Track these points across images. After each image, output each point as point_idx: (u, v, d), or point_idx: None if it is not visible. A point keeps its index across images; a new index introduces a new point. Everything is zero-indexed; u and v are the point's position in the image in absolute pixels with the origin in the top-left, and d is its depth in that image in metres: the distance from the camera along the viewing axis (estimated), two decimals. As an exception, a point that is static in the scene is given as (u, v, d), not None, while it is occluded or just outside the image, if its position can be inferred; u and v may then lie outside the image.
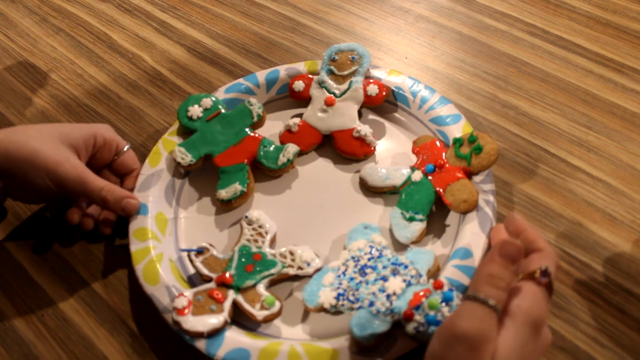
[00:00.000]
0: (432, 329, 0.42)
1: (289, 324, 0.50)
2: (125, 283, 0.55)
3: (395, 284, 0.45)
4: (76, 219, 0.57)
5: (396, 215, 0.54)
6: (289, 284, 0.52)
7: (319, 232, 0.56)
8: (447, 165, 0.54)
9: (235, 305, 0.49)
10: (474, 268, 0.48)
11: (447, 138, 0.58)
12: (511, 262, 0.38)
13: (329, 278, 0.48)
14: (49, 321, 0.53)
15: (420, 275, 0.46)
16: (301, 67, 0.66)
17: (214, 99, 0.62)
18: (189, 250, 0.52)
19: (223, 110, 0.61)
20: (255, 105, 0.60)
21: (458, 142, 0.54)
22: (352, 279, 0.47)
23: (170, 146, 0.61)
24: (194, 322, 0.47)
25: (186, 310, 0.48)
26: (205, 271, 0.51)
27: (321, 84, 0.63)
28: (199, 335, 0.47)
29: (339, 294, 0.46)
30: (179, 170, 0.60)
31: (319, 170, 0.61)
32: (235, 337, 0.47)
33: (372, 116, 0.65)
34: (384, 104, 0.63)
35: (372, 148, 0.60)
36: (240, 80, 0.66)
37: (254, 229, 0.54)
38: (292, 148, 0.58)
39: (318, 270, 0.50)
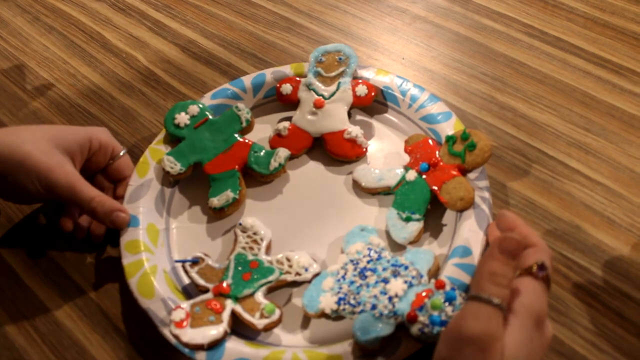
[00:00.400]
0: (437, 330, 0.41)
1: (289, 331, 0.49)
2: (118, 288, 0.54)
3: (396, 285, 0.45)
4: (69, 226, 0.57)
5: (392, 216, 0.53)
6: (286, 290, 0.51)
7: (315, 236, 0.55)
8: (441, 163, 0.54)
9: (234, 315, 0.48)
10: (474, 266, 0.48)
11: (438, 136, 0.58)
12: (511, 258, 0.38)
13: (328, 283, 0.47)
14: (40, 326, 0.53)
15: (421, 276, 0.46)
16: (287, 70, 0.65)
17: (200, 105, 0.61)
18: (183, 261, 0.51)
19: (210, 117, 0.60)
20: (244, 111, 0.59)
21: (451, 139, 0.54)
22: (352, 282, 0.47)
23: (157, 155, 0.59)
24: (193, 335, 0.46)
25: (184, 323, 0.47)
26: (201, 282, 0.50)
27: (309, 86, 0.62)
28: (199, 347, 0.46)
29: (340, 299, 0.46)
30: (168, 180, 0.59)
31: (310, 173, 0.60)
32: (236, 348, 0.46)
33: (360, 117, 0.64)
34: (374, 104, 0.62)
35: (364, 149, 0.60)
36: (227, 85, 0.65)
37: (248, 237, 0.53)
38: (283, 152, 0.58)
39: (316, 275, 0.50)
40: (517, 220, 0.45)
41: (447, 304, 0.42)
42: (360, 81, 0.62)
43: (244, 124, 0.59)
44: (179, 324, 0.47)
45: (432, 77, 0.69)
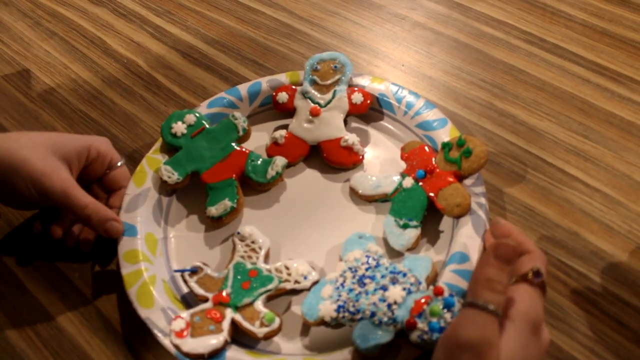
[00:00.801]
0: (436, 336, 0.41)
1: (289, 339, 0.49)
2: (119, 293, 0.54)
3: (395, 292, 0.45)
4: (59, 234, 0.57)
5: (390, 223, 0.53)
6: (285, 298, 0.51)
7: (313, 244, 0.55)
8: (438, 170, 0.54)
9: (234, 323, 0.48)
10: (471, 272, 0.48)
11: (434, 143, 0.58)
12: (506, 264, 0.38)
13: (327, 290, 0.48)
14: (41, 331, 0.53)
15: (420, 283, 0.46)
16: (283, 78, 0.66)
17: (197, 114, 0.61)
18: (182, 271, 0.52)
19: (207, 126, 0.60)
20: (240, 119, 0.60)
21: (447, 146, 0.54)
22: (351, 290, 0.47)
23: (154, 164, 0.60)
24: (193, 344, 0.46)
25: (185, 333, 0.47)
26: (200, 291, 0.50)
27: (305, 95, 0.63)
28: (200, 357, 0.46)
29: (339, 306, 0.46)
30: (165, 189, 0.59)
31: (308, 181, 0.60)
32: (236, 357, 0.47)
33: (356, 124, 0.64)
34: (369, 111, 0.63)
35: (361, 157, 0.60)
36: (223, 94, 0.65)
37: (247, 245, 0.53)
38: (280, 161, 0.58)
39: (315, 283, 0.50)
40: (511, 227, 0.45)
41: (445, 310, 0.42)
42: (355, 89, 0.63)
43: (241, 133, 0.59)
44: (179, 334, 0.47)
45: (431, 83, 0.69)
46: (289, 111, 0.63)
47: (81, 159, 0.56)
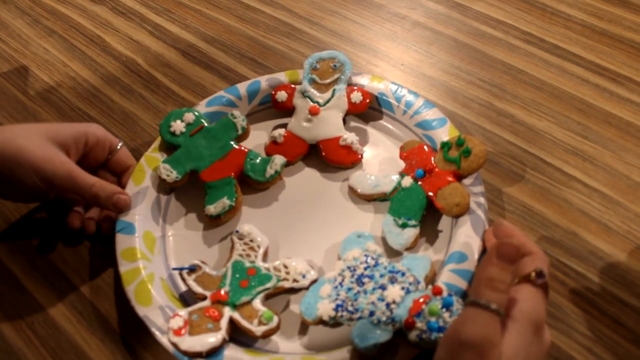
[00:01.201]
0: (435, 336, 0.42)
1: (287, 338, 0.49)
2: (117, 291, 0.54)
3: (394, 292, 0.45)
4: (77, 223, 0.57)
5: (389, 222, 0.53)
6: (283, 297, 0.52)
7: (311, 243, 0.55)
8: (437, 169, 0.54)
9: (232, 322, 0.48)
10: (470, 271, 0.48)
11: (433, 142, 0.58)
12: (509, 263, 0.38)
13: (326, 289, 0.48)
14: (39, 329, 0.53)
15: (418, 282, 0.46)
16: (282, 77, 0.66)
17: (196, 113, 0.61)
18: (180, 269, 0.52)
19: (206, 124, 0.60)
20: (239, 118, 0.60)
21: (446, 145, 0.54)
22: (349, 289, 0.47)
23: (153, 163, 0.60)
24: (191, 342, 0.46)
25: (183, 331, 0.47)
26: (199, 289, 0.50)
27: (304, 94, 0.63)
28: (198, 355, 0.46)
29: (338, 305, 0.46)
30: (164, 187, 0.59)
31: (306, 180, 0.60)
32: (234, 356, 0.47)
33: (355, 123, 0.64)
34: (368, 110, 0.63)
35: (360, 156, 0.60)
36: (222, 92, 0.65)
37: (245, 244, 0.53)
38: (279, 159, 0.58)
39: (314, 282, 0.50)
40: (514, 229, 0.45)
41: (444, 310, 0.42)
42: (355, 88, 0.62)
43: (240, 132, 0.59)
44: (177, 332, 0.47)
45: (431, 83, 0.69)
46: (288, 110, 0.63)
47: (79, 145, 0.56)
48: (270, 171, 0.57)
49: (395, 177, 0.56)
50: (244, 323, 0.47)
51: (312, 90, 0.62)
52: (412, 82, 0.70)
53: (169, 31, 0.81)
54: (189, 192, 0.60)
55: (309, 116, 0.61)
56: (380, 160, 0.61)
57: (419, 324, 0.42)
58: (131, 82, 0.74)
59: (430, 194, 0.53)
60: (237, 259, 0.52)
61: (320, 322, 0.46)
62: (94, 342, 0.52)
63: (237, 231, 0.54)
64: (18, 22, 0.85)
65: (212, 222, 0.57)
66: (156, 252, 0.55)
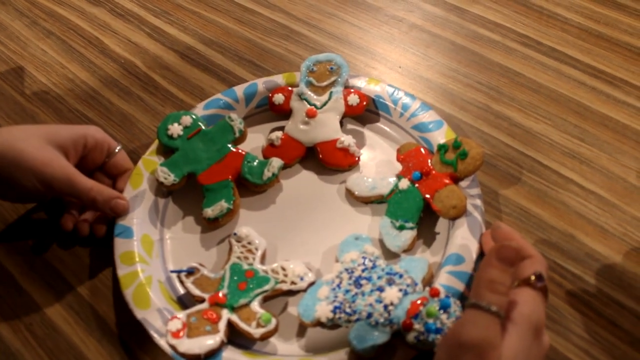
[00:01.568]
0: (433, 337, 0.42)
1: (286, 340, 0.50)
2: (115, 292, 0.54)
3: (391, 294, 0.45)
4: (70, 225, 0.57)
5: (386, 225, 0.54)
6: (281, 299, 0.52)
7: (309, 245, 0.55)
8: (434, 171, 0.54)
9: (231, 324, 0.48)
10: (467, 273, 0.48)
11: (430, 144, 0.58)
12: (509, 265, 0.38)
13: (323, 291, 0.48)
14: (37, 330, 0.53)
15: (416, 284, 0.46)
16: (279, 79, 0.66)
17: (193, 116, 0.61)
18: (179, 272, 0.52)
19: (203, 127, 0.60)
20: (236, 121, 0.60)
21: (443, 148, 0.55)
22: (347, 291, 0.47)
23: (151, 166, 0.60)
24: (189, 345, 0.46)
25: (181, 333, 0.47)
26: (197, 292, 0.50)
27: (301, 96, 0.63)
28: (196, 357, 0.46)
29: (336, 307, 0.46)
30: (161, 190, 0.59)
31: (304, 182, 0.61)
32: (233, 358, 0.47)
33: (352, 126, 0.65)
34: (365, 113, 0.63)
35: (357, 158, 0.60)
36: (219, 95, 0.65)
37: (243, 246, 0.53)
38: (276, 162, 0.58)
39: (311, 284, 0.50)
40: (512, 232, 0.45)
41: (442, 311, 0.43)
42: (352, 90, 0.63)
43: (237, 134, 0.59)
44: (175, 334, 0.47)
45: (428, 85, 0.70)
46: (285, 113, 0.63)
47: (77, 147, 0.56)
48: (267, 174, 0.57)
49: (392, 180, 0.56)
50: (242, 325, 0.47)
51: (309, 92, 0.63)
52: (410, 84, 0.70)
53: (168, 33, 0.81)
54: (186, 195, 0.60)
55: (306, 119, 0.61)
56: (377, 163, 0.61)
57: (417, 326, 0.43)
58: (129, 84, 0.74)
59: (427, 196, 0.53)
60: (235, 262, 0.52)
61: (318, 324, 0.46)
62: (91, 343, 0.52)
63: (235, 234, 0.54)
64: (16, 24, 0.86)
65: (210, 225, 0.57)
66: (154, 255, 0.55)
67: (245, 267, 0.51)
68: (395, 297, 0.45)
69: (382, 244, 0.54)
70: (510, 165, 0.61)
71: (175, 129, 0.60)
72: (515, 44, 0.74)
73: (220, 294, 0.49)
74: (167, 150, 0.61)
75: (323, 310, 0.46)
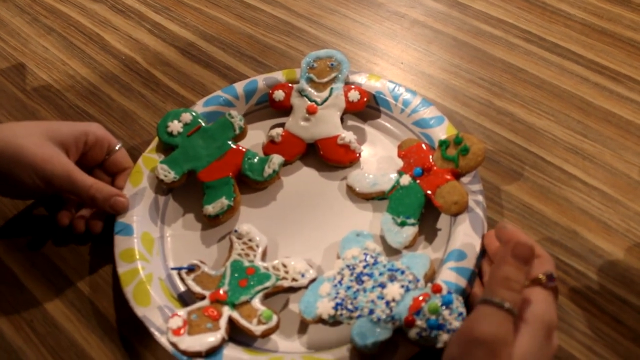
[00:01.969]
0: (435, 333, 0.42)
1: (287, 337, 0.49)
2: (117, 289, 0.54)
3: (393, 290, 0.45)
4: (66, 221, 0.57)
5: (387, 221, 0.53)
6: (282, 296, 0.51)
7: (310, 242, 0.55)
8: (435, 167, 0.54)
9: (232, 321, 0.48)
10: (469, 269, 0.48)
11: (431, 140, 0.58)
12: (524, 264, 0.39)
13: (325, 288, 0.47)
14: (38, 327, 0.53)
15: (418, 280, 0.46)
16: (279, 76, 0.66)
17: (193, 113, 0.61)
18: (179, 269, 0.51)
19: (203, 124, 0.60)
20: (236, 118, 0.59)
21: (444, 144, 0.54)
22: (349, 287, 0.47)
23: (151, 164, 0.59)
24: (190, 342, 0.46)
25: (182, 331, 0.47)
26: (197, 289, 0.50)
27: (301, 93, 0.62)
28: (197, 355, 0.46)
29: (337, 304, 0.46)
30: (161, 188, 0.59)
31: (304, 179, 0.60)
32: (234, 355, 0.46)
33: (353, 122, 0.64)
34: (366, 109, 0.63)
35: (358, 154, 0.60)
36: (219, 92, 0.65)
37: (244, 243, 0.53)
38: (277, 159, 0.58)
39: (313, 280, 0.50)
40: (518, 232, 0.45)
41: (444, 307, 0.42)
42: (352, 87, 0.62)
43: (237, 131, 0.59)
44: (176, 332, 0.47)
45: (430, 81, 0.69)
46: (285, 109, 0.63)
47: (79, 144, 0.56)
48: (268, 171, 0.57)
49: (394, 176, 0.56)
50: (243, 322, 0.47)
51: (310, 89, 0.62)
52: (412, 80, 0.70)
53: (168, 29, 0.81)
54: (187, 192, 0.60)
55: (307, 115, 0.61)
56: (378, 159, 0.61)
57: (419, 322, 0.42)
58: (130, 81, 0.74)
59: (429, 192, 0.53)
60: (236, 259, 0.52)
61: (320, 320, 0.46)
62: (93, 340, 0.51)
63: (235, 230, 0.54)
64: (17, 20, 0.85)
65: (210, 222, 0.56)
66: (154, 253, 0.55)
67: (246, 264, 0.51)
68: (397, 293, 0.45)
69: (383, 240, 0.53)
70: (513, 161, 0.60)
71: (175, 126, 0.60)
72: (518, 39, 0.73)
73: (221, 291, 0.49)
74: (167, 148, 0.60)
75: (324, 307, 0.46)
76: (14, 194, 0.58)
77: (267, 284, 0.50)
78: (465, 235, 0.51)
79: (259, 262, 0.51)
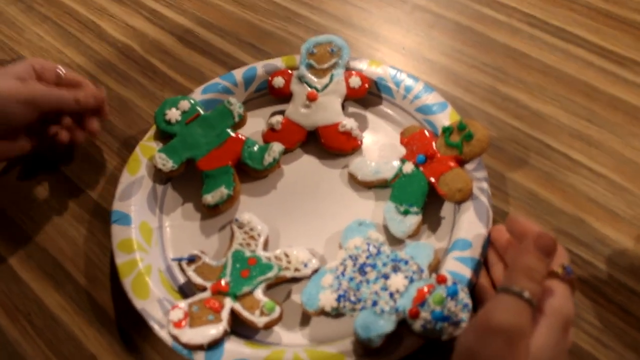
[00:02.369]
0: (440, 325, 0.41)
1: (289, 330, 0.48)
2: (115, 281, 0.53)
3: (397, 281, 0.44)
4: (53, 130, 0.58)
5: (390, 210, 0.52)
6: (285, 287, 0.51)
7: (312, 231, 0.54)
8: (438, 154, 0.53)
9: (234, 313, 0.47)
10: (475, 259, 0.47)
11: (434, 127, 0.57)
12: (546, 255, 0.38)
13: (327, 280, 0.47)
14: (35, 320, 0.52)
15: (422, 271, 0.45)
16: (279, 62, 0.64)
17: (191, 101, 0.60)
18: (180, 259, 0.50)
19: (202, 112, 0.59)
20: (236, 105, 0.58)
21: (448, 130, 0.53)
22: (352, 279, 0.46)
23: (148, 152, 0.58)
24: (192, 335, 0.45)
25: (183, 323, 0.46)
26: (199, 280, 0.49)
27: (301, 79, 0.61)
28: (199, 347, 0.45)
29: (340, 296, 0.45)
30: (160, 177, 0.58)
31: (305, 167, 0.59)
32: (235, 349, 0.46)
33: (354, 109, 0.63)
34: (367, 95, 0.61)
35: (359, 142, 0.59)
36: (217, 79, 0.64)
37: (245, 232, 0.52)
38: (277, 147, 0.57)
39: (315, 271, 0.49)
40: (530, 224, 0.43)
41: (449, 298, 0.42)
42: (353, 73, 0.61)
43: (237, 119, 0.58)
44: (177, 324, 0.46)
45: (432, 67, 0.68)
46: (285, 96, 0.62)
47: (31, 75, 0.56)
48: (268, 159, 0.56)
49: (396, 163, 0.55)
50: (246, 314, 0.46)
51: (310, 75, 0.61)
52: (414, 66, 0.68)
53: (166, 16, 0.80)
54: (185, 181, 0.59)
55: (307, 102, 0.60)
56: (380, 146, 0.60)
57: (424, 314, 0.42)
58: (127, 69, 0.73)
59: (432, 179, 0.52)
60: (237, 249, 0.51)
61: (323, 313, 0.45)
62: (91, 332, 0.51)
63: (236, 220, 0.53)
64: (11, 9, 0.84)
65: (210, 212, 0.55)
66: (153, 244, 0.54)
67: (248, 254, 0.50)
68: (401, 284, 0.44)
69: (386, 229, 0.52)
70: (518, 147, 0.59)
71: (173, 114, 0.59)
72: (522, 24, 0.72)
73: (223, 282, 0.48)
74: (165, 136, 0.59)
75: (327, 299, 0.45)
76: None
77: (270, 274, 0.49)
78: (470, 224, 0.50)
79: (260, 252, 0.50)
